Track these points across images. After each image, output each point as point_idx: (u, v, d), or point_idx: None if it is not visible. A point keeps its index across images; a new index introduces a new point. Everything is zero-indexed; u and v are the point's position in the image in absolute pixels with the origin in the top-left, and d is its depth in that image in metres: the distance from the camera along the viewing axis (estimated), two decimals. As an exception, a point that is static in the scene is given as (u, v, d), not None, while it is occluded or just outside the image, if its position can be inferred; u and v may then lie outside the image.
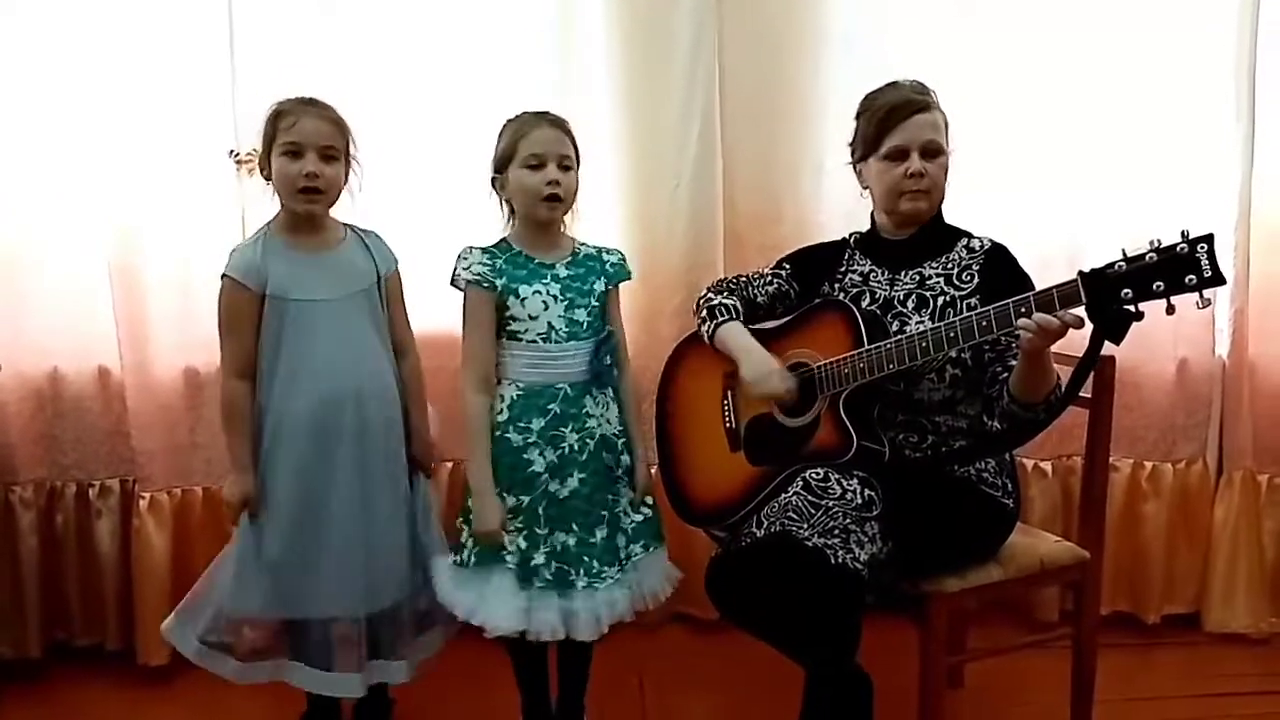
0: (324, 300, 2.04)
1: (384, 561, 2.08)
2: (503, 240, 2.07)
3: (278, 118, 2.01)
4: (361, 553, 2.05)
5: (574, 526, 2.00)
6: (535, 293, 2.00)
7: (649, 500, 2.12)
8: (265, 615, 2.06)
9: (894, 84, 2.06)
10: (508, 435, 2.00)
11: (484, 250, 2.04)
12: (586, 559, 2.00)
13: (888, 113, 2.02)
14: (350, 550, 2.04)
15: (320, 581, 2.04)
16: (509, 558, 1.98)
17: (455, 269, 2.02)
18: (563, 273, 2.04)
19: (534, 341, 2.00)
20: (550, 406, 2.00)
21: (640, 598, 2.07)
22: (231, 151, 2.43)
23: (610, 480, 2.06)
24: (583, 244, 2.11)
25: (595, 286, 2.06)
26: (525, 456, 1.99)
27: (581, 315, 2.02)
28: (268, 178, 2.05)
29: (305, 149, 1.98)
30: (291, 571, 2.04)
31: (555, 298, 2.01)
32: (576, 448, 2.01)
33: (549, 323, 2.00)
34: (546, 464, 1.99)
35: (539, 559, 1.98)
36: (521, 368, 2.01)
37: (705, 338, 2.13)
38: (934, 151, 2.01)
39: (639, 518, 2.10)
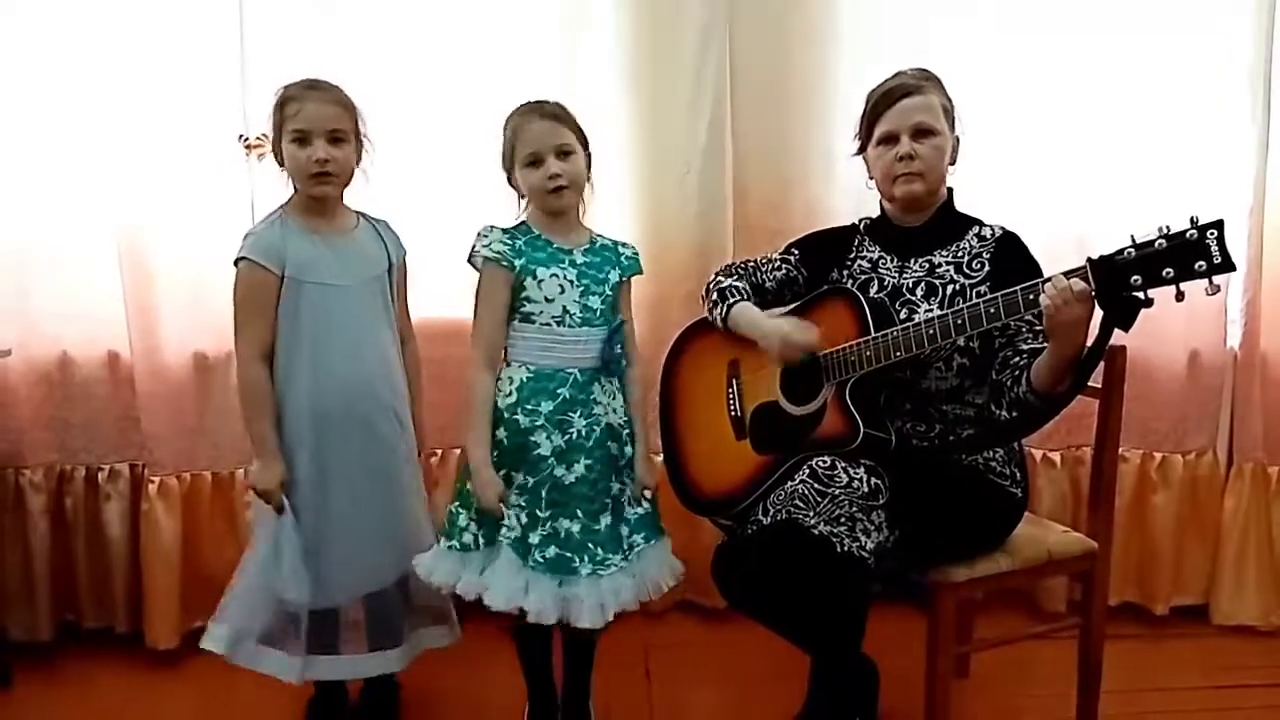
0: (340, 285, 2.04)
1: (382, 547, 2.09)
2: (522, 223, 2.07)
3: (284, 104, 2.00)
4: (365, 539, 2.07)
5: (578, 513, 2.00)
6: (553, 276, 2.00)
7: (648, 493, 2.11)
8: (314, 604, 2.04)
9: (896, 74, 2.05)
10: (515, 417, 2.00)
11: (504, 230, 2.03)
12: (591, 546, 2.00)
13: (877, 100, 2.04)
14: (355, 536, 2.06)
15: (335, 567, 2.05)
16: (506, 533, 1.98)
17: (474, 246, 2.02)
18: (580, 259, 2.04)
19: (548, 325, 2.00)
20: (560, 391, 2.00)
21: (643, 588, 2.06)
22: (241, 136, 2.43)
23: (615, 469, 2.06)
24: (599, 235, 2.12)
25: (610, 276, 2.06)
26: (532, 439, 1.99)
27: (595, 302, 2.03)
28: (281, 164, 2.05)
29: (313, 135, 1.98)
30: (319, 557, 2.04)
31: (572, 283, 2.01)
32: (584, 433, 2.00)
33: (564, 307, 2.00)
34: (553, 448, 1.99)
35: (534, 539, 1.97)
36: (533, 350, 2.01)
37: (718, 320, 2.12)
38: (924, 132, 1.99)
39: (639, 510, 2.09)
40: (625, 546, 2.06)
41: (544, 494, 1.98)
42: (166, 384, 2.56)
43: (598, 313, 2.03)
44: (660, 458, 2.26)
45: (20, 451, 2.59)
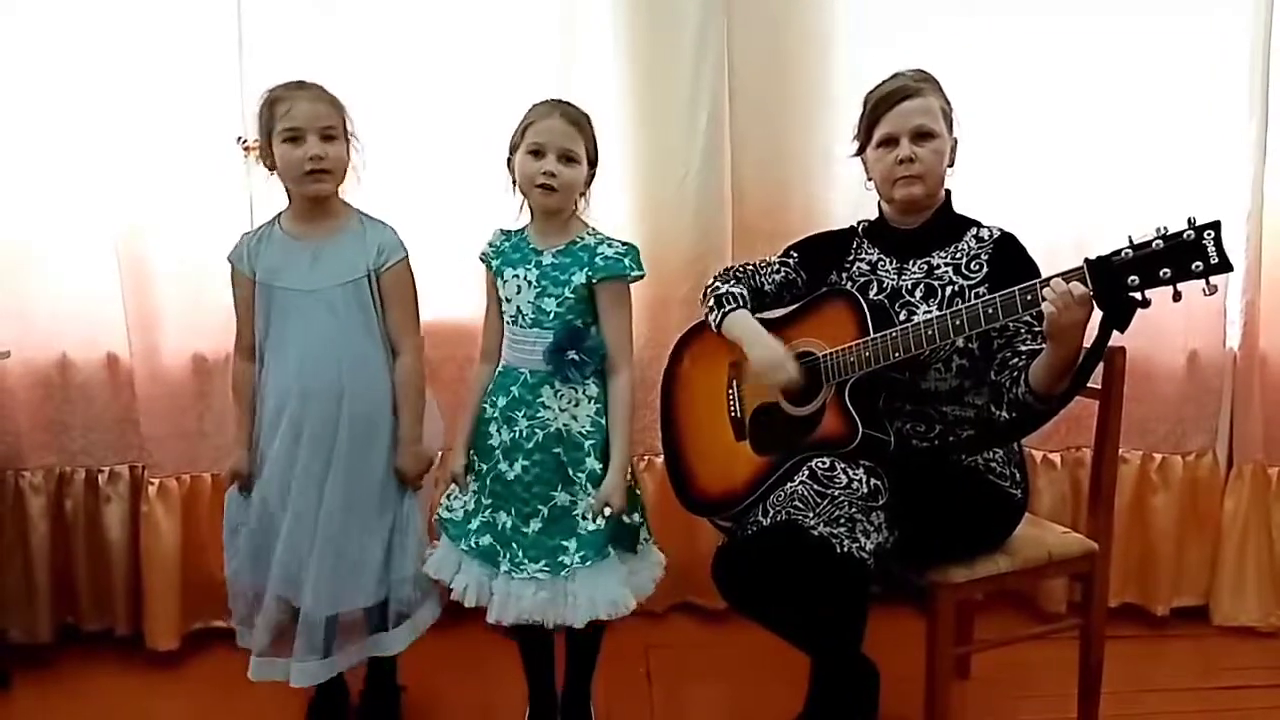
0: (305, 290, 2.04)
1: (349, 564, 2.04)
2: (527, 225, 2.11)
3: (273, 104, 2.00)
4: (317, 548, 2.02)
5: (511, 510, 2.03)
6: (515, 275, 2.04)
7: (608, 510, 1.98)
8: (255, 585, 2.09)
9: (895, 75, 2.05)
10: (484, 405, 2.09)
11: (503, 231, 2.12)
12: (514, 545, 2.01)
13: (877, 103, 2.03)
14: (303, 544, 2.03)
15: (276, 564, 2.05)
16: (444, 512, 2.12)
17: None
18: (547, 260, 2.03)
19: (508, 323, 2.07)
20: (511, 388, 2.04)
21: (574, 609, 1.97)
22: (240, 138, 2.43)
23: (559, 478, 2.01)
24: (593, 235, 2.06)
25: (573, 278, 2.00)
26: (487, 429, 2.07)
27: (550, 305, 2.01)
28: (271, 167, 2.04)
29: (305, 133, 1.98)
30: (261, 546, 2.08)
31: (530, 283, 2.02)
32: (524, 435, 2.01)
33: (518, 306, 2.04)
34: (499, 442, 2.04)
35: (474, 524, 2.06)
36: (505, 345, 2.10)
37: (713, 326, 2.13)
38: (924, 135, 1.99)
39: (591, 527, 1.99)
40: (563, 560, 1.98)
41: (488, 483, 2.05)
42: (166, 386, 2.56)
43: (550, 315, 2.01)
44: (660, 459, 2.26)
45: (20, 454, 2.59)
